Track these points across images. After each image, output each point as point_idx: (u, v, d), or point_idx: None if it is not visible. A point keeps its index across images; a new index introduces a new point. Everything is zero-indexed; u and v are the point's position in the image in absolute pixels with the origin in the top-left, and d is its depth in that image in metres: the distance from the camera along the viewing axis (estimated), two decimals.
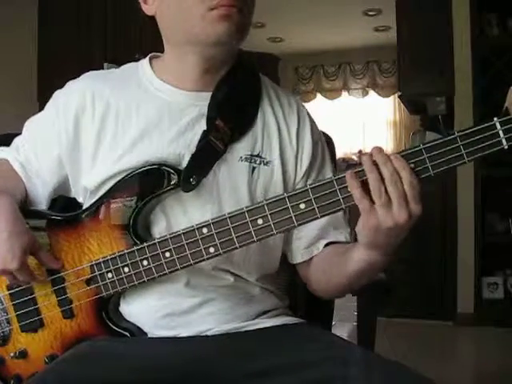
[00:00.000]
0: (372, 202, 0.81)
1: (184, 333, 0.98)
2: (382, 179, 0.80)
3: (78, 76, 1.09)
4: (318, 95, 7.28)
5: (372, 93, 7.10)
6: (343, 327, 3.27)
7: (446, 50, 3.56)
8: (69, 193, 1.08)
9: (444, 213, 3.59)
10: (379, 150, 0.82)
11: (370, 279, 0.97)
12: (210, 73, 1.02)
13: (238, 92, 1.04)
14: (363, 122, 7.13)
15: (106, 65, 3.25)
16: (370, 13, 5.52)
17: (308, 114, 1.11)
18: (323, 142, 1.12)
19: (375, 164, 0.81)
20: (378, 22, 5.76)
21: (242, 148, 1.01)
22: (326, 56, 6.93)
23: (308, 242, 1.04)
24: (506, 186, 3.40)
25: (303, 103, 1.15)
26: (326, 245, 1.04)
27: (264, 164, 1.02)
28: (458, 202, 3.55)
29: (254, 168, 1.01)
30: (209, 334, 0.98)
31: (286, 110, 1.07)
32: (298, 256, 1.06)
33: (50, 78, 3.26)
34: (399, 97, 4.11)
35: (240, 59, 1.06)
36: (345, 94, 7.22)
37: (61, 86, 1.09)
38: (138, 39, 3.31)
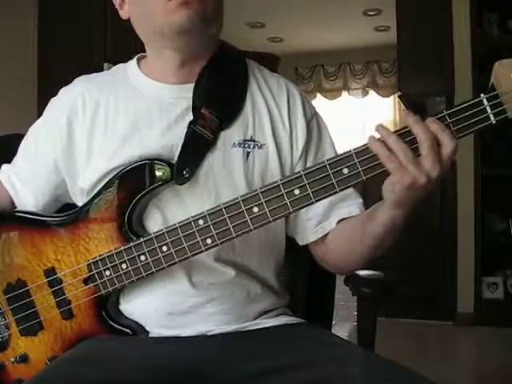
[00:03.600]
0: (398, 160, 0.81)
1: (185, 333, 0.98)
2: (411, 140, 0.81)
3: (78, 76, 1.11)
4: (318, 95, 7.27)
5: (372, 93, 7.09)
6: (343, 327, 3.27)
7: (446, 50, 3.56)
8: (70, 198, 1.08)
9: (444, 213, 3.59)
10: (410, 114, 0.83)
11: (392, 242, 0.95)
12: (188, 64, 1.03)
13: (222, 79, 1.04)
14: (363, 121, 7.12)
15: (105, 65, 3.25)
16: (370, 13, 5.51)
17: (299, 92, 1.10)
18: (319, 117, 1.10)
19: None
20: (378, 21, 5.75)
21: (233, 134, 1.01)
22: (326, 56, 6.91)
23: (318, 219, 1.04)
24: (506, 186, 3.40)
25: None
26: (340, 221, 1.03)
27: (258, 147, 1.02)
28: (457, 202, 3.55)
29: (248, 153, 1.01)
30: (209, 334, 0.98)
31: (274, 92, 1.07)
32: (311, 235, 1.05)
33: (50, 78, 3.26)
34: (399, 97, 4.11)
35: (222, 49, 1.07)
36: (345, 93, 7.20)
37: (60, 87, 1.11)
38: (137, 40, 3.30)
